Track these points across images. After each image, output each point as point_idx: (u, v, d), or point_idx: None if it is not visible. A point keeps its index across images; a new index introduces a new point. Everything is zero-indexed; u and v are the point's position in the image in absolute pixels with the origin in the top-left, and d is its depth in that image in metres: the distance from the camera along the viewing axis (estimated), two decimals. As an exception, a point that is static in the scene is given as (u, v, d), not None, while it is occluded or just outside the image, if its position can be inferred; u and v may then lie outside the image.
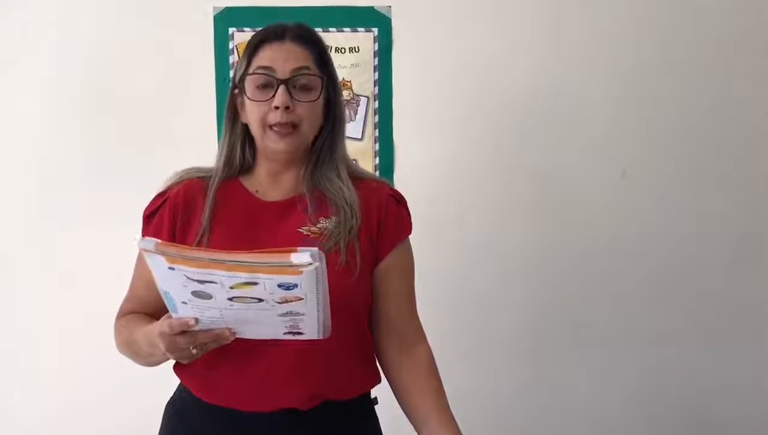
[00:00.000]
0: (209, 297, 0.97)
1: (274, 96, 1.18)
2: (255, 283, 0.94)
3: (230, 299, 0.97)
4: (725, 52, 1.97)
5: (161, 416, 1.30)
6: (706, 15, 1.97)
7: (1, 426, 1.99)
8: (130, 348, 1.20)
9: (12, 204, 1.96)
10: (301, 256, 0.91)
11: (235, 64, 1.28)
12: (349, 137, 1.89)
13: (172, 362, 1.20)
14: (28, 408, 1.98)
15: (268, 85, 1.19)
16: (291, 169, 1.26)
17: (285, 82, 1.18)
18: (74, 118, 1.94)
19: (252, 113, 1.21)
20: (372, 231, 1.23)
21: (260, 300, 0.97)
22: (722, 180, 2.00)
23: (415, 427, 1.24)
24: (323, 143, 1.26)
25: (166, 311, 1.05)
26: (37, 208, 1.96)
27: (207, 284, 0.95)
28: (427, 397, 1.23)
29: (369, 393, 1.29)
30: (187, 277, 0.95)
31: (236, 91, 1.24)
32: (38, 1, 1.91)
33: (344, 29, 1.92)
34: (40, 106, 1.94)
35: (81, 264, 1.94)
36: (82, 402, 1.97)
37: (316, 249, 0.92)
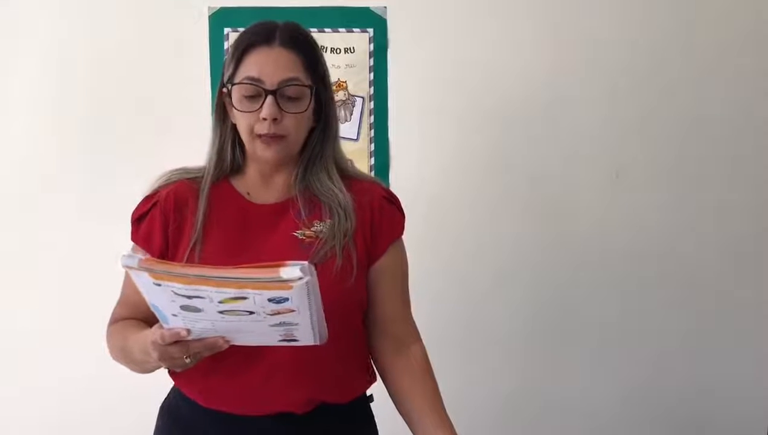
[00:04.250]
0: (199, 310, 0.95)
1: (261, 106, 1.15)
2: (244, 298, 0.92)
3: (220, 313, 0.95)
4: (722, 52, 1.97)
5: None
6: (704, 15, 1.96)
7: (0, 426, 2.00)
8: (124, 354, 1.19)
9: (11, 204, 1.96)
10: (291, 271, 0.88)
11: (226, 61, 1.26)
12: (344, 138, 1.89)
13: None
14: (28, 409, 1.99)
15: (256, 95, 1.16)
16: (282, 172, 1.24)
17: (273, 93, 1.15)
18: (70, 119, 1.94)
19: (240, 122, 1.20)
20: (365, 232, 1.22)
21: (251, 313, 0.95)
22: (720, 180, 2.00)
23: (411, 428, 1.23)
24: (314, 146, 1.24)
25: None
26: (37, 207, 1.96)
27: (195, 299, 0.93)
28: (422, 397, 1.22)
29: (365, 394, 1.29)
30: (175, 293, 0.93)
31: (224, 91, 1.21)
32: (37, 3, 1.91)
33: (340, 29, 1.92)
34: (36, 106, 1.94)
35: (80, 263, 1.95)
36: (82, 403, 1.98)
37: (305, 263, 0.89)
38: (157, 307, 0.98)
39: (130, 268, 0.92)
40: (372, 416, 1.32)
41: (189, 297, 0.93)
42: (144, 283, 0.94)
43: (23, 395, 1.99)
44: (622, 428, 2.04)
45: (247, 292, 0.91)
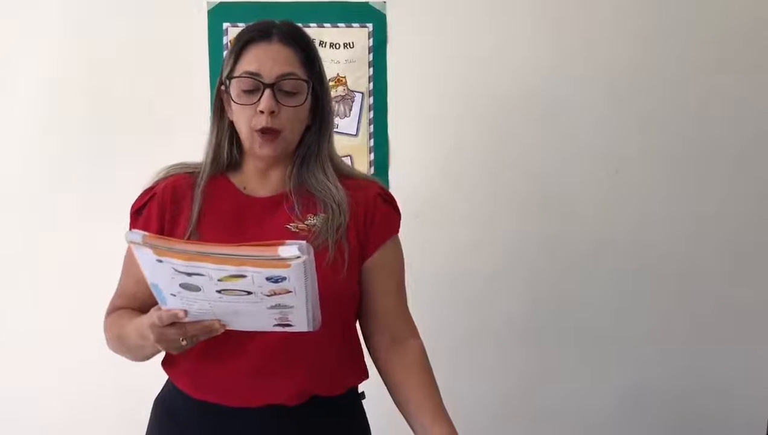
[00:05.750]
0: (198, 289, 0.97)
1: (259, 100, 1.17)
2: (243, 276, 0.94)
3: (219, 292, 0.97)
4: (721, 51, 1.96)
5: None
6: (702, 14, 1.96)
7: (0, 426, 1.99)
8: (121, 342, 1.21)
9: (11, 204, 1.96)
10: (289, 250, 0.91)
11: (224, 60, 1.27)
12: (344, 133, 1.91)
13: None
14: (28, 409, 1.99)
15: (255, 89, 1.18)
16: (278, 167, 1.26)
17: (271, 86, 1.17)
18: (70, 117, 1.94)
19: (238, 116, 1.21)
20: (359, 229, 1.24)
21: (249, 293, 0.96)
22: (718, 178, 1.99)
23: (409, 422, 1.24)
24: (310, 142, 1.26)
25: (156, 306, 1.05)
26: (37, 207, 1.96)
27: (195, 277, 0.95)
28: (420, 391, 1.23)
29: (356, 388, 1.30)
30: (175, 270, 0.94)
31: (223, 88, 1.24)
32: (37, 0, 1.91)
33: (339, 25, 1.92)
34: (37, 104, 1.94)
35: (80, 263, 1.95)
36: (81, 402, 1.98)
37: (304, 242, 0.92)
38: (157, 286, 1.00)
39: (135, 243, 0.94)
40: (363, 412, 1.32)
41: (189, 274, 0.94)
42: (146, 259, 0.95)
43: (23, 395, 1.99)
44: (619, 428, 2.03)
45: (246, 269, 0.93)
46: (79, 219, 1.95)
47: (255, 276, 0.93)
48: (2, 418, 1.99)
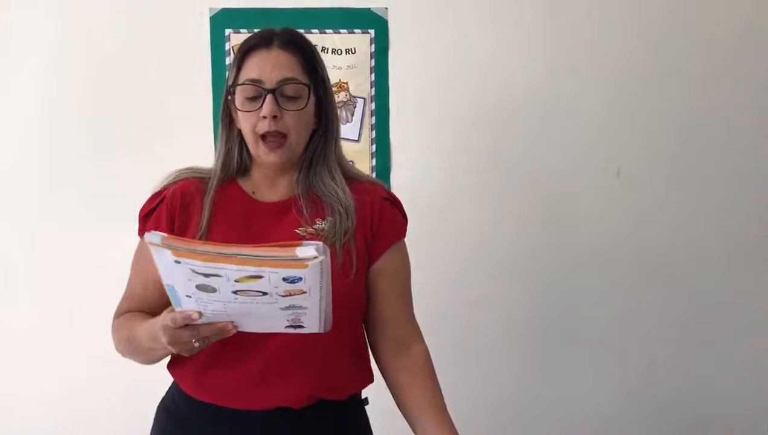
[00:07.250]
0: (214, 290, 0.98)
1: (261, 105, 1.19)
2: (260, 277, 0.95)
3: (234, 293, 0.98)
4: (723, 52, 1.97)
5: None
6: (704, 16, 1.97)
7: (1, 427, 1.99)
8: (130, 345, 1.21)
9: (11, 204, 1.96)
10: (307, 250, 0.92)
11: (229, 68, 1.28)
12: (345, 139, 1.91)
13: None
14: (28, 408, 1.99)
15: (257, 96, 1.20)
16: (286, 172, 1.27)
17: (272, 91, 1.19)
18: (73, 119, 1.94)
19: (243, 123, 1.23)
20: (366, 232, 1.25)
21: (264, 293, 0.98)
22: (720, 180, 2.00)
23: (412, 427, 1.24)
24: (316, 146, 1.27)
25: (164, 309, 1.06)
26: (37, 207, 1.96)
27: (212, 278, 0.96)
28: (423, 396, 1.23)
29: (360, 393, 1.30)
30: (193, 271, 0.95)
31: (229, 97, 1.25)
32: (39, 2, 1.91)
33: (341, 31, 1.92)
34: (39, 106, 1.94)
35: (81, 263, 1.95)
36: (82, 402, 1.98)
37: (320, 243, 0.93)
38: (173, 287, 1.00)
39: (153, 244, 0.94)
40: (366, 415, 1.33)
41: (206, 275, 0.95)
42: (164, 261, 0.96)
43: (23, 395, 1.99)
44: (622, 429, 2.04)
45: (264, 270, 0.94)
46: (79, 219, 1.95)
47: (272, 276, 0.95)
48: (2, 417, 1.99)
